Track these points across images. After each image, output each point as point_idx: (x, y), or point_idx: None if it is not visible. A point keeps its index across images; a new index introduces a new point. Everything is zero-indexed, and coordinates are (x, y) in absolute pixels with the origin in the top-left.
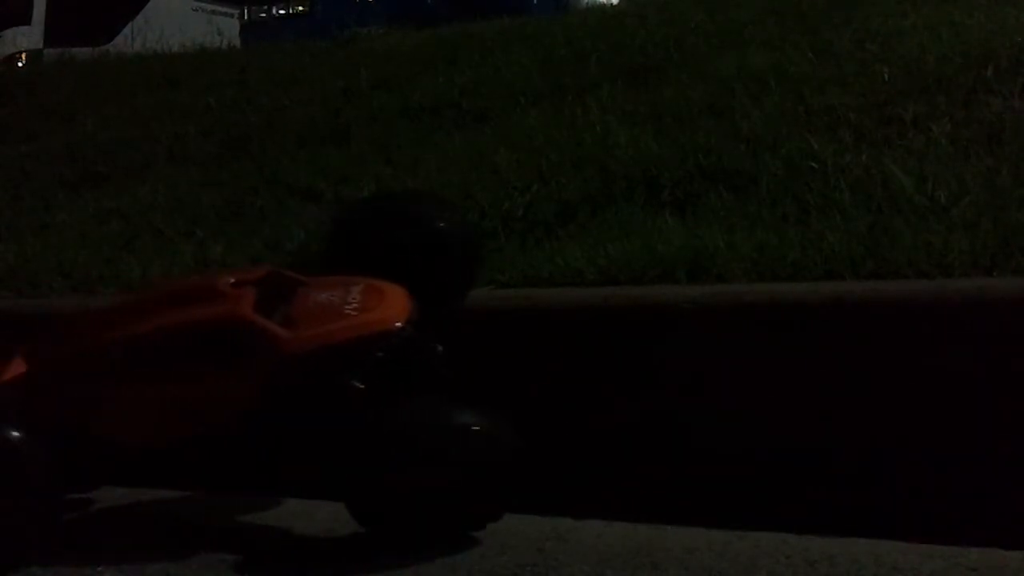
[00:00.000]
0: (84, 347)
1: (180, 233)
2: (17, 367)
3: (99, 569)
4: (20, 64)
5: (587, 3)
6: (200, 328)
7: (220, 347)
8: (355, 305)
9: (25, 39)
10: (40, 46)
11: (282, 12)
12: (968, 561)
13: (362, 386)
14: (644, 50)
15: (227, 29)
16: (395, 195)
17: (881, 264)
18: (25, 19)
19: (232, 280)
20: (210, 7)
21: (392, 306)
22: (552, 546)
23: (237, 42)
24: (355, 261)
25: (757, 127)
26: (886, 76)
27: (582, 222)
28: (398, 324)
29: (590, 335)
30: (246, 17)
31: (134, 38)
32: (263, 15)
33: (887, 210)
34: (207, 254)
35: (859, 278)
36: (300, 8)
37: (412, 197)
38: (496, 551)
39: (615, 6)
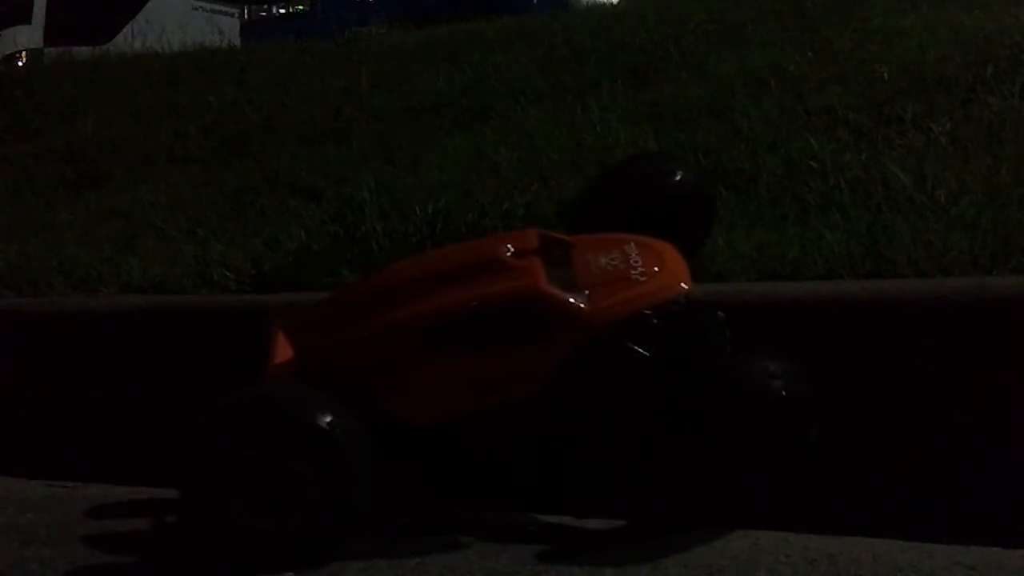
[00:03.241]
0: (367, 327)
1: (181, 232)
2: (284, 350)
3: None
4: (20, 63)
5: (587, 3)
6: (494, 304)
7: (516, 322)
8: (640, 269)
9: (25, 38)
10: (40, 45)
11: (282, 11)
12: (968, 560)
13: (656, 354)
14: (644, 49)
15: (227, 28)
16: (651, 155)
17: (880, 263)
18: (25, 18)
19: (510, 249)
20: (210, 6)
21: (675, 267)
22: (552, 544)
23: (237, 41)
24: (611, 219)
25: (757, 126)
26: (885, 76)
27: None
28: (685, 286)
29: None
30: (246, 16)
31: (134, 37)
32: (263, 14)
33: (886, 209)
34: (208, 253)
35: (858, 277)
36: (300, 7)
37: (664, 157)
38: (496, 550)
39: (615, 6)
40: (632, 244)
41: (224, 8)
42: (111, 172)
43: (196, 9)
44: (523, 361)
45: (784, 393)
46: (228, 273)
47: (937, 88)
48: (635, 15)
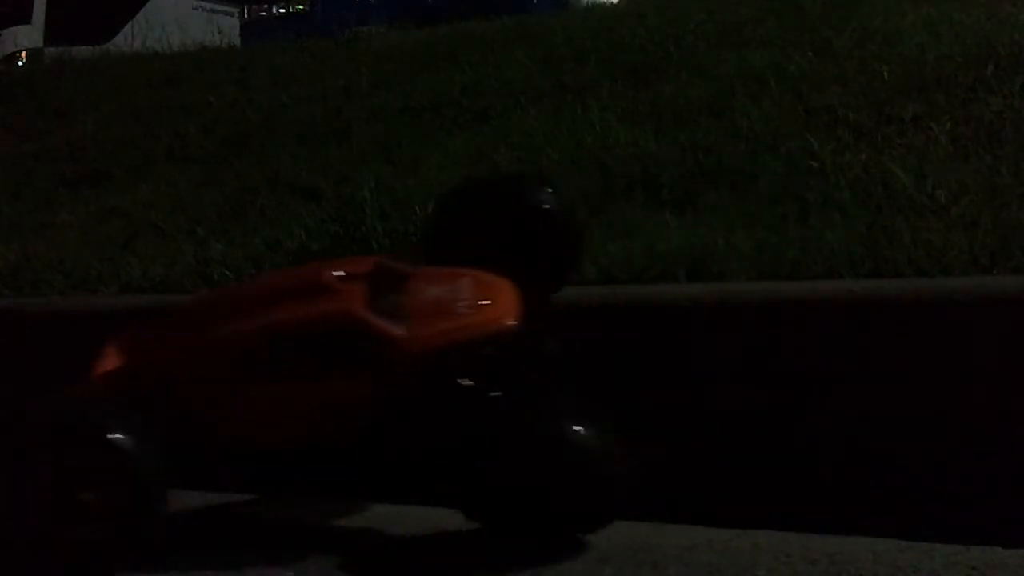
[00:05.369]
0: (190, 344)
1: (181, 232)
2: (111, 360)
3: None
4: (20, 63)
5: (587, 2)
6: (310, 326)
7: (332, 346)
8: (467, 302)
9: (25, 38)
10: (40, 45)
11: (282, 11)
12: (968, 560)
13: (474, 385)
14: (644, 49)
15: (227, 28)
16: (495, 178)
17: (880, 263)
18: (25, 18)
19: (339, 273)
20: (210, 6)
21: (503, 302)
22: (553, 542)
23: (237, 41)
24: (456, 248)
25: (757, 126)
26: (886, 75)
27: (582, 221)
28: (510, 322)
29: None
30: (246, 16)
31: (134, 37)
32: (263, 14)
33: (886, 209)
34: (208, 253)
35: (858, 277)
36: (300, 7)
37: (511, 179)
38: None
39: (615, 6)
40: (468, 279)
41: (224, 8)
42: (111, 172)
43: (196, 9)
44: (337, 387)
45: (572, 440)
46: (228, 273)
47: (937, 88)
48: (635, 15)
